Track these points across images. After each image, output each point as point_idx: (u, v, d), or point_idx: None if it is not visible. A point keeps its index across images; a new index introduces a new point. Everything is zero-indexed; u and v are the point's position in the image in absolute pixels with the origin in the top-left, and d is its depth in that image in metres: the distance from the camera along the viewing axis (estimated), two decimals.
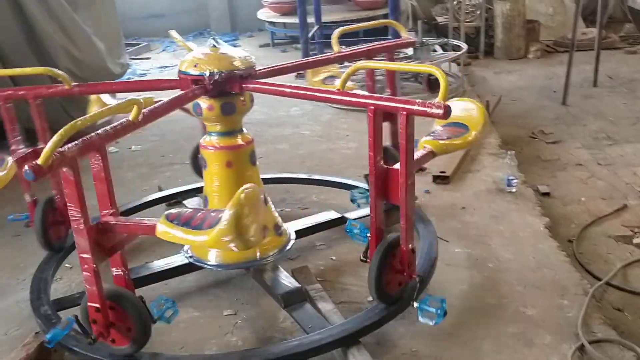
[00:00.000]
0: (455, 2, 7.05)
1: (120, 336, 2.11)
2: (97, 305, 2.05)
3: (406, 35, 3.12)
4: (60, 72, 2.75)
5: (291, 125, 5.13)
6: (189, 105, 2.57)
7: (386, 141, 3.00)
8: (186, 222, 1.89)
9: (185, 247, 2.71)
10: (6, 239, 3.41)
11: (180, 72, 2.52)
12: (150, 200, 3.52)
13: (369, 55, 3.01)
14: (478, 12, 7.21)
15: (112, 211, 2.08)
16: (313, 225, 3.03)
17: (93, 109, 2.90)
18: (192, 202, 3.45)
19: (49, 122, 3.37)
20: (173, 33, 2.96)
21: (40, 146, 2.78)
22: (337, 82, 2.91)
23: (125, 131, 2.08)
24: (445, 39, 6.38)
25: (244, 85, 2.45)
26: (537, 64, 6.85)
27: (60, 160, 1.83)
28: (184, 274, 2.78)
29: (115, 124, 2.08)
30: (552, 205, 3.50)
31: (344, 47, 3.00)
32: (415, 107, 2.03)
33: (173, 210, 1.97)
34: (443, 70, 5.85)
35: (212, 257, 2.60)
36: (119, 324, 2.10)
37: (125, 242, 2.13)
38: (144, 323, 2.10)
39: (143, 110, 2.10)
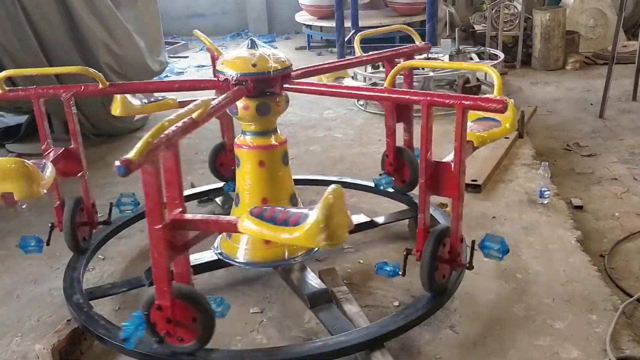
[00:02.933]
0: (493, 11, 7.00)
1: (185, 334, 2.07)
2: (166, 303, 2.02)
3: (419, 41, 3.20)
4: (94, 71, 2.74)
5: (324, 128, 5.16)
6: None
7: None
8: (271, 219, 1.88)
9: (215, 244, 2.75)
10: (43, 227, 3.49)
11: (218, 71, 2.56)
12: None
13: (390, 59, 3.08)
14: (517, 21, 7.14)
15: (180, 209, 2.05)
16: None
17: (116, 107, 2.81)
18: (222, 200, 3.50)
19: (89, 117, 3.43)
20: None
21: (71, 146, 2.77)
22: (345, 82, 3.05)
23: (188, 129, 2.04)
24: (482, 47, 6.34)
25: (285, 86, 2.47)
26: (575, 76, 6.75)
27: (145, 157, 1.81)
28: (213, 270, 2.82)
29: (181, 123, 2.01)
30: (584, 219, 3.45)
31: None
32: (471, 103, 2.11)
33: (253, 208, 1.96)
34: (478, 79, 5.78)
35: (241, 255, 2.63)
36: (184, 322, 2.06)
37: (197, 240, 2.10)
38: (209, 322, 2.07)
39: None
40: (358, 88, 2.39)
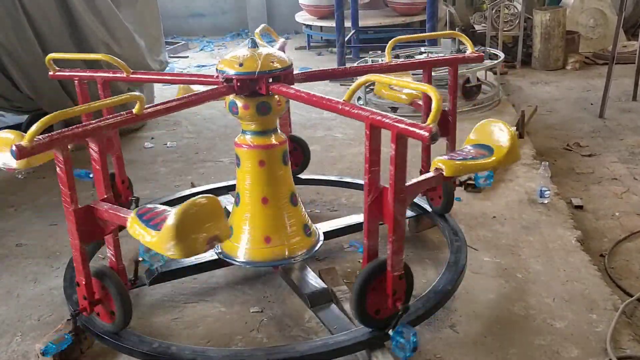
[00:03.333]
0: (493, 11, 7.00)
1: (104, 313, 2.26)
2: (83, 281, 2.19)
3: (472, 49, 2.98)
4: (119, 60, 2.86)
5: (324, 128, 5.16)
6: (226, 104, 2.61)
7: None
8: (148, 220, 1.90)
9: None
10: (43, 227, 3.50)
11: (216, 69, 2.56)
12: (182, 197, 3.56)
13: (430, 67, 2.97)
14: (517, 21, 7.15)
15: (105, 197, 2.18)
16: (342, 228, 3.04)
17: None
18: (224, 200, 3.49)
19: None
20: (258, 40, 2.93)
21: None
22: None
23: (125, 123, 2.18)
24: (482, 47, 6.34)
25: (271, 87, 2.47)
26: (575, 76, 6.76)
27: (47, 142, 1.94)
28: (213, 270, 2.82)
29: (117, 115, 2.18)
30: (584, 219, 3.45)
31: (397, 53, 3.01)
32: (402, 126, 1.92)
33: (148, 205, 2.01)
34: (479, 79, 5.75)
35: (241, 254, 2.63)
36: (104, 301, 2.24)
37: (111, 228, 2.20)
38: (124, 302, 2.20)
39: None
40: (322, 98, 2.31)
